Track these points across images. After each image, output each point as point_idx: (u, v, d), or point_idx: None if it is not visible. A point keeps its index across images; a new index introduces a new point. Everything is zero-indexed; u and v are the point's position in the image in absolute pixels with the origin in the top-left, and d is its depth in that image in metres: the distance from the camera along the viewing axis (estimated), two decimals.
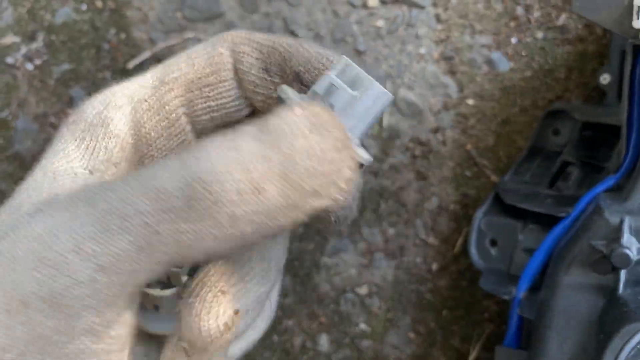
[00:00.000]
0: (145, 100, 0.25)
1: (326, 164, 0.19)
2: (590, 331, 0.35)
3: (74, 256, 0.19)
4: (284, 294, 0.54)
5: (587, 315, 0.36)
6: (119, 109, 0.25)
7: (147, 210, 0.19)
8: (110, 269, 0.19)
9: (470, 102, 0.54)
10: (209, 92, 0.26)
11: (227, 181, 0.18)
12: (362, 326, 0.54)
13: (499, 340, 0.54)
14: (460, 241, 0.53)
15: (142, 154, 0.26)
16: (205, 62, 0.26)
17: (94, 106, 0.25)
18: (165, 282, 0.25)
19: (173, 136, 0.26)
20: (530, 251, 0.45)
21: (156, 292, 0.25)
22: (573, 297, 0.37)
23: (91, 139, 0.24)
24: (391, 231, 0.54)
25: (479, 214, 0.47)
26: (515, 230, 0.46)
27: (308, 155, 0.19)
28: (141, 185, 0.19)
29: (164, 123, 0.26)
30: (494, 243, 0.47)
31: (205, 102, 0.26)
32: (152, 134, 0.26)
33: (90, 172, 0.24)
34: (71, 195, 0.21)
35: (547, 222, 0.43)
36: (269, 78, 0.26)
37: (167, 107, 0.26)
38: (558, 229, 0.41)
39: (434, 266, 0.54)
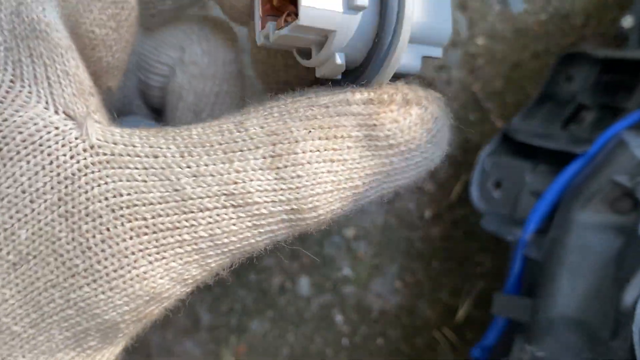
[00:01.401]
0: None
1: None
2: (606, 271, 0.32)
3: None
4: None
5: (602, 255, 0.32)
6: (42, 3, 0.18)
7: None
8: None
9: (480, 41, 0.51)
10: None
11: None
12: (346, 271, 0.50)
13: (490, 298, 0.51)
14: (457, 189, 0.50)
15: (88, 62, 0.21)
16: None
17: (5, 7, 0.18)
18: None
19: (123, 29, 0.21)
20: (537, 194, 0.41)
21: None
22: (588, 236, 0.33)
23: (35, 65, 0.18)
24: None
25: (483, 154, 0.43)
26: (523, 171, 0.42)
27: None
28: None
29: (108, 11, 0.20)
30: (497, 185, 0.43)
31: None
32: (96, 30, 0.20)
33: (69, 117, 0.19)
34: None
35: (560, 162, 0.39)
36: None
37: None
38: (573, 167, 0.37)
39: (427, 213, 0.50)
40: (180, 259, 0.19)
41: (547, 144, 0.39)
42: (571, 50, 0.46)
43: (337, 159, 0.19)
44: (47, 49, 0.18)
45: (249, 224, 0.19)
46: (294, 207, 0.19)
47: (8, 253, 0.17)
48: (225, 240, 0.19)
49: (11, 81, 0.18)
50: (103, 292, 0.18)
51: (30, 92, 0.18)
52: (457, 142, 0.50)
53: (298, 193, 0.19)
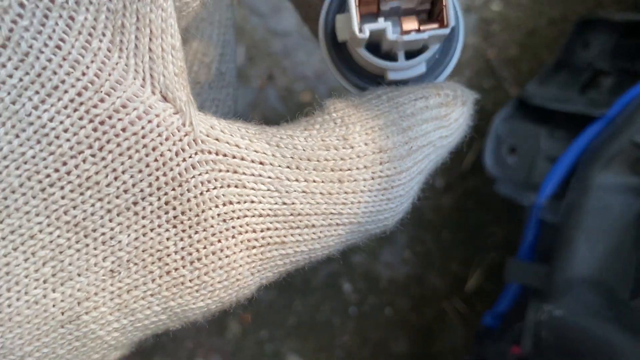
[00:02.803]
0: None
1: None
2: (626, 232, 0.31)
3: None
4: None
5: (622, 216, 0.32)
6: None
7: None
8: None
9: (495, 7, 0.49)
10: None
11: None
12: None
13: (501, 270, 0.50)
14: (470, 157, 0.49)
15: None
16: None
17: None
18: None
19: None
20: (553, 159, 0.40)
21: None
22: (607, 198, 0.32)
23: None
24: None
25: (497, 120, 0.42)
26: (539, 137, 0.41)
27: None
28: None
29: None
30: (511, 152, 0.42)
31: None
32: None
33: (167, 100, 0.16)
34: None
35: (577, 127, 0.38)
36: None
37: None
38: (592, 130, 0.36)
39: (439, 183, 0.49)
40: (277, 270, 0.19)
41: (564, 107, 0.38)
42: (588, 16, 0.45)
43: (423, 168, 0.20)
44: (158, 16, 0.15)
45: (344, 239, 0.19)
46: (387, 224, 0.20)
47: (105, 259, 0.16)
48: (319, 254, 0.19)
49: (108, 49, 0.15)
50: (203, 301, 0.17)
51: (127, 65, 0.15)
52: None
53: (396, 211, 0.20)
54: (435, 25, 0.18)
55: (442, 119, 0.20)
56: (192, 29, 0.23)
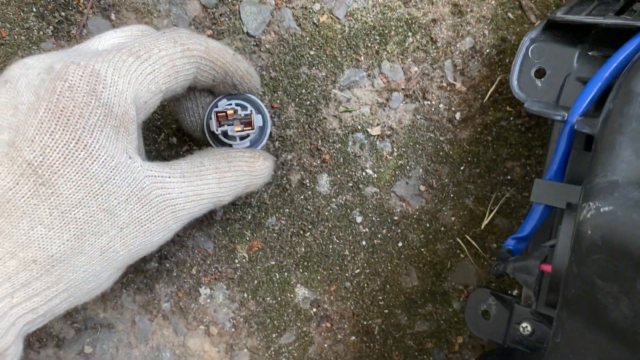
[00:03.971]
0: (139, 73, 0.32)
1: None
2: None
3: None
4: (285, 123, 0.47)
5: None
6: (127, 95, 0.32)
7: None
8: None
9: None
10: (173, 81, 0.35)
11: None
12: (369, 171, 0.48)
13: (518, 207, 0.49)
14: (492, 90, 0.47)
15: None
16: (174, 70, 0.34)
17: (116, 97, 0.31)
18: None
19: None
20: (584, 81, 0.39)
21: None
22: None
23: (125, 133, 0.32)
24: (415, 69, 0.47)
25: (527, 39, 0.41)
26: (571, 57, 0.40)
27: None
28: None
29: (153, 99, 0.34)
30: (539, 75, 0.41)
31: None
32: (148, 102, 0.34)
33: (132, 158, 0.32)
34: None
35: (614, 46, 0.37)
36: (213, 84, 0.38)
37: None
38: (632, 43, 0.35)
39: (458, 115, 0.48)
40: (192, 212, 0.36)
41: (602, 21, 0.36)
42: None
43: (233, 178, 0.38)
44: (129, 124, 0.32)
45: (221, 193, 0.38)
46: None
47: (113, 224, 0.31)
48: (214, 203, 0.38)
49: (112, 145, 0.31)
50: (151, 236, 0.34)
51: (116, 149, 0.31)
52: (492, 41, 0.47)
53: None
54: (249, 128, 0.40)
55: (251, 162, 0.38)
56: None
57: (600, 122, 0.32)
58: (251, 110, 0.40)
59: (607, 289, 0.26)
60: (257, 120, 0.40)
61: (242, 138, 0.40)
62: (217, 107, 0.39)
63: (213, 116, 0.39)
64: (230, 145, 0.40)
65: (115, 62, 0.31)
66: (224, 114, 0.39)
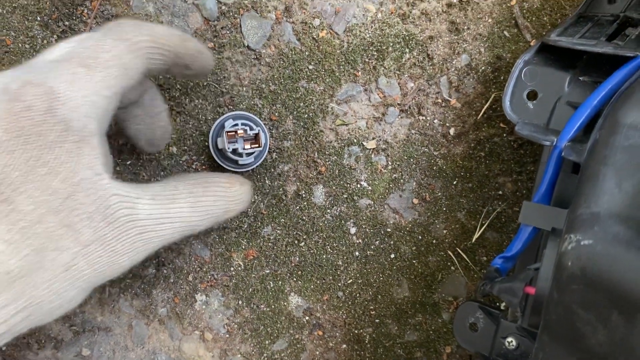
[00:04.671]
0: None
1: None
2: None
3: None
4: (283, 135, 0.48)
5: None
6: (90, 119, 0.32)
7: None
8: None
9: None
10: (119, 82, 0.34)
11: None
12: (364, 184, 0.49)
13: (509, 222, 0.50)
14: (486, 107, 0.48)
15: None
16: (124, 69, 0.34)
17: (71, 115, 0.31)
18: None
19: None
20: (575, 105, 0.40)
21: None
22: (637, 136, 0.32)
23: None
24: (411, 85, 0.48)
25: (521, 61, 0.42)
26: (563, 81, 0.41)
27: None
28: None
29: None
30: (531, 97, 0.42)
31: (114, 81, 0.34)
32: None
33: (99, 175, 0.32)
34: None
35: (604, 73, 0.38)
36: (167, 69, 0.37)
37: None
38: (622, 72, 0.36)
39: (452, 131, 0.49)
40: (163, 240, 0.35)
41: (593, 48, 0.37)
42: None
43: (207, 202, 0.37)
44: (91, 137, 0.32)
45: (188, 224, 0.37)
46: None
47: (75, 240, 0.30)
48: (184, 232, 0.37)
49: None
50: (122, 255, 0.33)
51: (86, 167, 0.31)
52: (487, 59, 0.48)
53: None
54: (256, 145, 0.44)
55: (228, 188, 0.38)
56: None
57: (587, 151, 0.33)
58: (258, 130, 0.43)
59: (586, 317, 0.28)
60: (263, 137, 0.44)
61: (248, 154, 0.43)
62: (224, 127, 0.43)
63: (224, 135, 0.43)
64: (237, 162, 0.44)
65: (68, 77, 0.31)
66: (234, 133, 0.43)
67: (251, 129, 0.43)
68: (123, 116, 0.40)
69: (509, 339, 0.43)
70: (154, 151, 0.43)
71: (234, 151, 0.43)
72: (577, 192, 0.32)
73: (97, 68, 0.32)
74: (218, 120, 0.44)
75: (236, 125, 0.43)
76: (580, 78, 0.40)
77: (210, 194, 0.37)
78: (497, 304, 0.49)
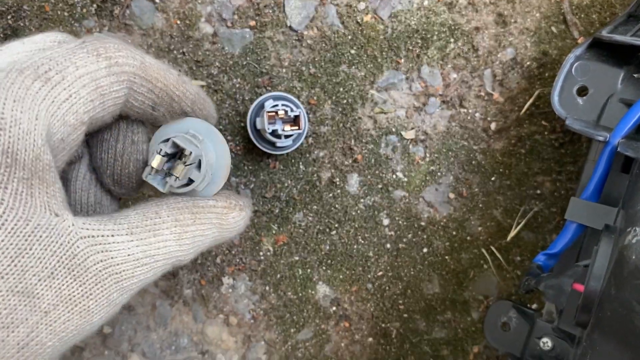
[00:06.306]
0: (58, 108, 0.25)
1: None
2: None
3: None
4: (320, 120, 0.47)
5: None
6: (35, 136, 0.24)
7: None
8: None
9: None
10: (94, 107, 0.27)
11: None
12: (399, 174, 0.48)
13: (545, 222, 0.48)
14: (529, 103, 0.47)
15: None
16: (99, 93, 0.27)
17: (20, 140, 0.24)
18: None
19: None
20: (628, 103, 0.39)
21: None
22: None
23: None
24: (454, 76, 0.47)
25: (572, 56, 0.40)
26: (616, 78, 0.39)
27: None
28: None
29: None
30: (582, 92, 0.41)
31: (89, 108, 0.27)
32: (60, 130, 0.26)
33: (56, 215, 0.25)
34: None
35: None
36: (154, 113, 0.30)
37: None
38: None
39: (493, 125, 0.48)
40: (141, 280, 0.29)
41: None
42: None
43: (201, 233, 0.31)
44: (45, 172, 0.24)
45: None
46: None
47: (33, 309, 0.24)
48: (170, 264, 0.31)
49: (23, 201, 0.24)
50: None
51: (36, 205, 0.24)
52: (533, 54, 0.47)
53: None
54: (296, 127, 0.42)
55: (223, 215, 0.32)
56: None
57: None
58: (299, 112, 0.42)
59: None
60: (303, 120, 0.42)
61: (287, 137, 0.42)
62: (264, 107, 0.41)
63: (265, 115, 0.41)
64: (274, 144, 0.43)
65: (15, 92, 0.23)
66: (274, 113, 0.41)
67: (292, 110, 0.42)
68: (88, 141, 0.31)
69: (545, 340, 0.42)
70: (122, 194, 0.32)
71: (273, 132, 0.42)
72: (636, 188, 0.31)
73: (61, 84, 0.25)
74: (258, 100, 0.43)
75: (276, 105, 0.42)
76: (634, 75, 0.39)
77: (201, 221, 0.30)
78: (529, 306, 0.48)
